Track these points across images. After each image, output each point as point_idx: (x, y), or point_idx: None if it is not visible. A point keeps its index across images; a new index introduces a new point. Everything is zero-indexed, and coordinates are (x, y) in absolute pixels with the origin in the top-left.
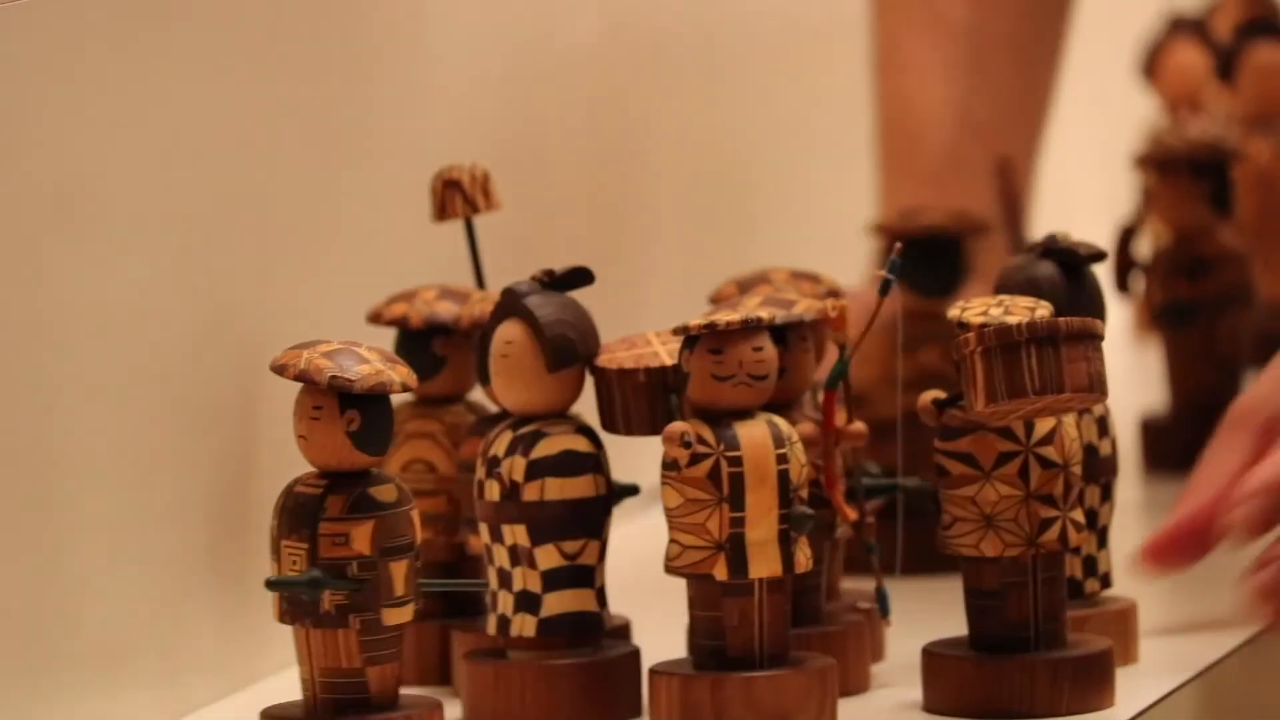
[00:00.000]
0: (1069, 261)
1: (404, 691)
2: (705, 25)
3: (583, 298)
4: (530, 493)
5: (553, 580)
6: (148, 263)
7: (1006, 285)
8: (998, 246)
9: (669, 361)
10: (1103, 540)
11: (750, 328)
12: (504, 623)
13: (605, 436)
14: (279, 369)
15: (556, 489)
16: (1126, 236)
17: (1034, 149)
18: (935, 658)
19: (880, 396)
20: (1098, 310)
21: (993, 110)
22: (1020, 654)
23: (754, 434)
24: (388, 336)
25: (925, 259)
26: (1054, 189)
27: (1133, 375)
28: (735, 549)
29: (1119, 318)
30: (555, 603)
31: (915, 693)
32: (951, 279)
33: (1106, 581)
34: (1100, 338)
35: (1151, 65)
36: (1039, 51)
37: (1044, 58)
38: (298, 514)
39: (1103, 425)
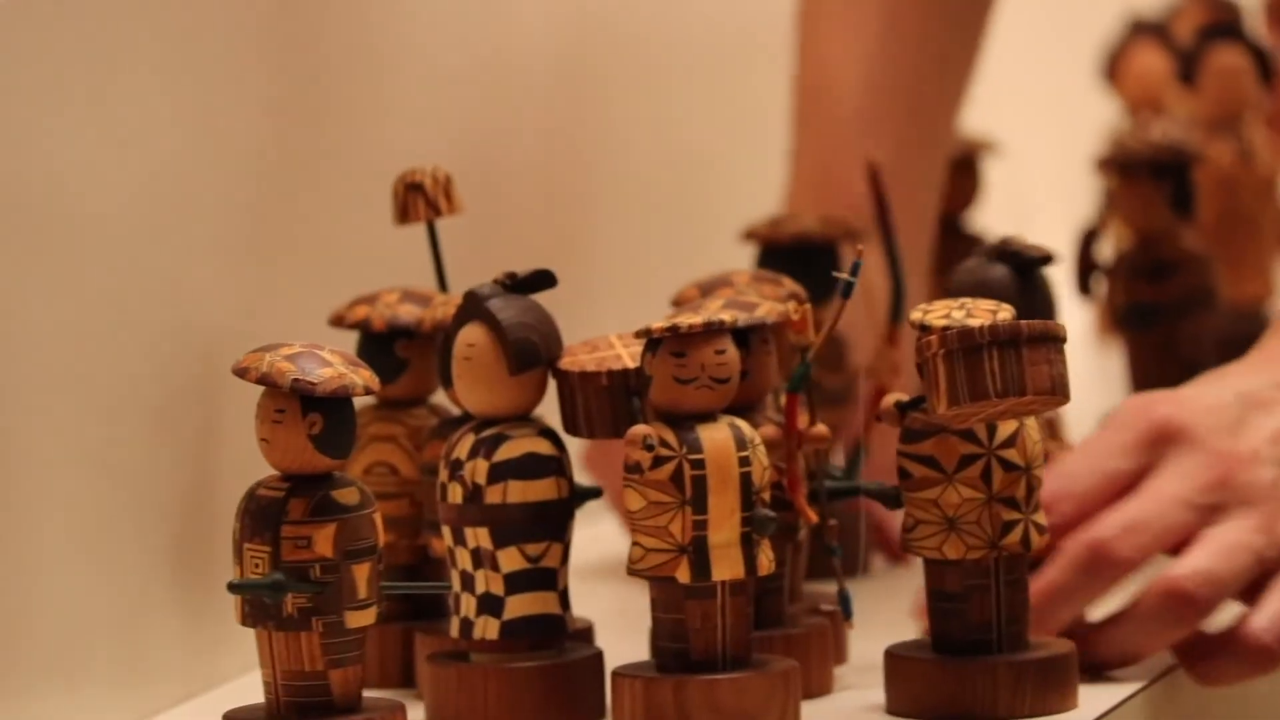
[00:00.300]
0: (1021, 264)
1: (367, 694)
2: (664, 30)
3: (545, 300)
4: (493, 495)
5: (515, 583)
6: (110, 265)
7: (959, 288)
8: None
9: (631, 364)
10: None
11: (712, 330)
12: (467, 625)
13: (568, 439)
14: (241, 372)
15: (519, 491)
16: (1088, 239)
17: (953, 108)
18: (898, 660)
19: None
20: (1049, 312)
21: (908, 68)
22: (983, 656)
23: (716, 437)
24: (350, 339)
25: (796, 266)
26: (1016, 192)
27: (1095, 377)
28: (698, 551)
29: (1081, 320)
30: (518, 605)
31: (878, 695)
32: (823, 285)
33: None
34: (1062, 340)
35: (1113, 68)
36: (962, 11)
37: (968, 17)
38: (260, 517)
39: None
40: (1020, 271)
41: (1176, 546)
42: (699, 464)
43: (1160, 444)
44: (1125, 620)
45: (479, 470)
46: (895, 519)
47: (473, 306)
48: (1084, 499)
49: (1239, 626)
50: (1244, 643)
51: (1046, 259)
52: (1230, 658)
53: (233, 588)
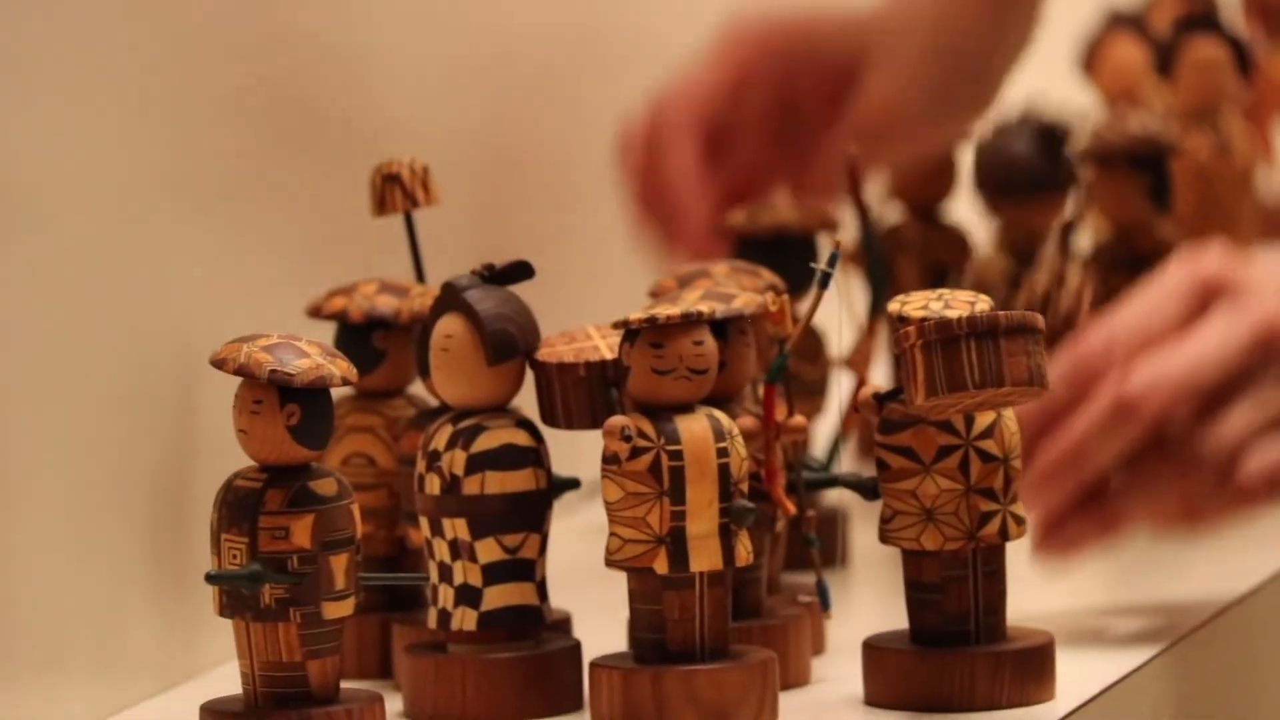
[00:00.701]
0: (1044, 137)
1: (344, 685)
2: (646, 19)
3: (522, 292)
4: (470, 486)
5: (493, 574)
6: (87, 256)
7: (983, 157)
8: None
9: (609, 355)
10: None
11: (690, 322)
12: (444, 616)
13: (545, 430)
14: (219, 363)
15: (497, 482)
16: (1066, 231)
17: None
18: (876, 651)
19: None
20: (1068, 178)
21: None
22: (960, 647)
23: (694, 428)
24: (328, 330)
25: (773, 257)
26: None
27: None
28: (676, 542)
29: None
30: (496, 596)
31: (856, 685)
32: (800, 276)
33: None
34: (1040, 331)
35: (1090, 60)
36: None
37: None
38: (238, 508)
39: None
40: (1044, 144)
41: (1210, 402)
42: (677, 455)
43: (1208, 298)
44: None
45: (457, 461)
46: None
47: (450, 298)
48: (1127, 359)
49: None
50: (1235, 481)
51: (1068, 132)
52: (1212, 496)
53: (210, 579)
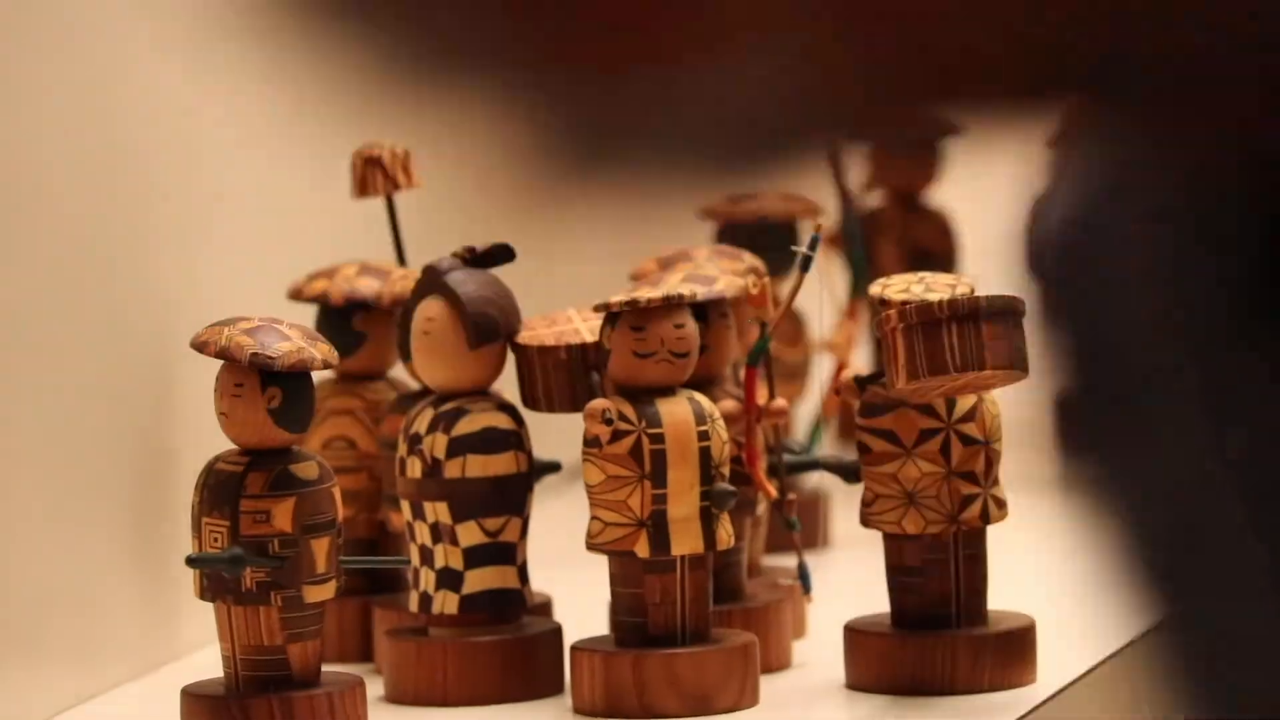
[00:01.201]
0: None
1: (325, 669)
2: None
3: (504, 274)
4: (452, 470)
5: (474, 557)
6: (65, 240)
7: None
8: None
9: (590, 338)
10: None
11: (672, 305)
12: (426, 600)
13: (527, 413)
14: (199, 346)
15: (478, 466)
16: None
17: None
18: (857, 634)
19: None
20: None
21: None
22: (942, 631)
23: (676, 411)
24: (309, 313)
25: (756, 244)
26: (968, 164)
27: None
28: (657, 526)
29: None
30: (477, 580)
31: (838, 669)
32: (781, 259)
33: None
34: (1022, 315)
35: None
36: None
37: None
38: (219, 491)
39: None
40: None
41: None
42: (658, 438)
43: None
44: None
45: (438, 444)
46: None
47: (432, 280)
48: None
49: None
50: None
51: None
52: None
53: (191, 562)
